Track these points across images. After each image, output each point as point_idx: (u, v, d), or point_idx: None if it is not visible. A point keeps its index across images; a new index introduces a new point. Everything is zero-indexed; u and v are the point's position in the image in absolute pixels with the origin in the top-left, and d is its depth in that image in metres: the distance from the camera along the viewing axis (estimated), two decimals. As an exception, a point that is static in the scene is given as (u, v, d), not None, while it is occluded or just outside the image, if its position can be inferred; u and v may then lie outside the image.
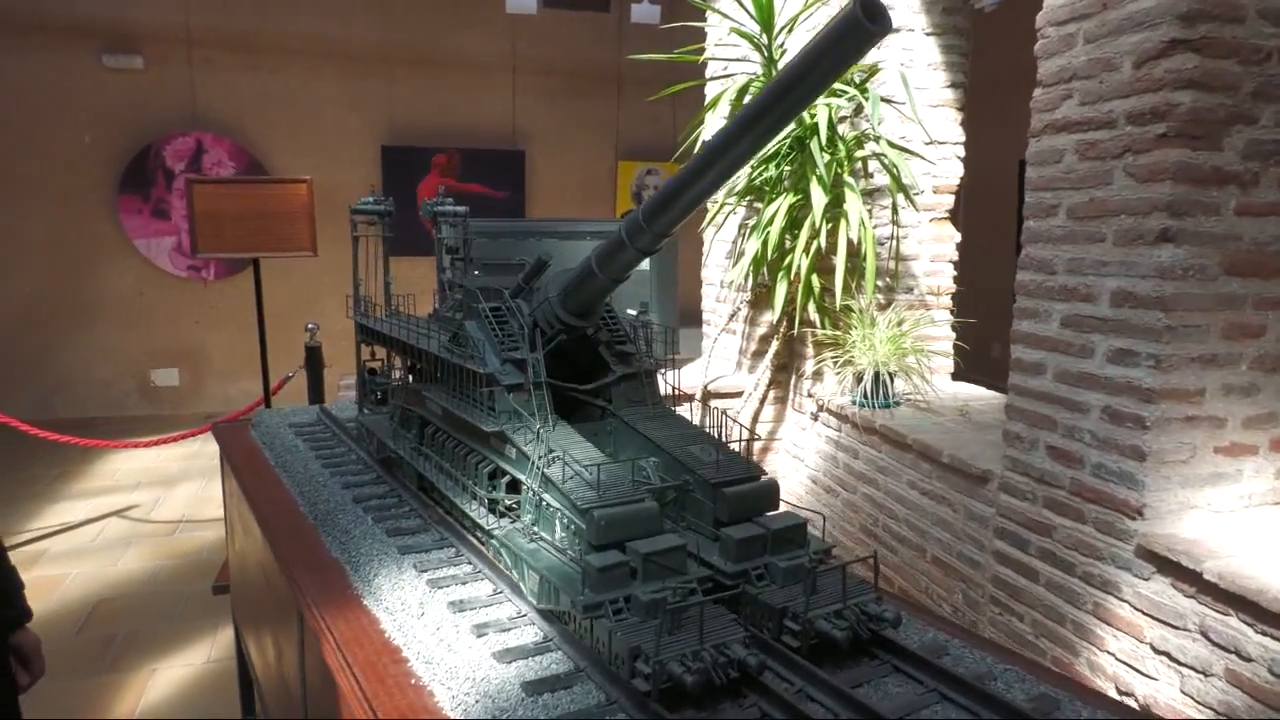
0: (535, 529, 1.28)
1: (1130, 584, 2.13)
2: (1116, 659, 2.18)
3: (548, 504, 1.24)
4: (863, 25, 0.87)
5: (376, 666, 1.21)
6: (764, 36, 3.29)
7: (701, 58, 3.17)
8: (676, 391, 1.56)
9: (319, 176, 6.23)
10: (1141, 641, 2.09)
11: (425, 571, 1.44)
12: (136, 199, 6.32)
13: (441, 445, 1.60)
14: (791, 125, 3.19)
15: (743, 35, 3.25)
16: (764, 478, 1.30)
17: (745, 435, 1.44)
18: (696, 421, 1.50)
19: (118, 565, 4.01)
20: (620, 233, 1.27)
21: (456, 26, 6.67)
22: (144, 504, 4.74)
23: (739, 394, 3.86)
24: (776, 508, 1.29)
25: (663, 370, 1.56)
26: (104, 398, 6.55)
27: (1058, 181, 2.33)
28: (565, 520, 1.20)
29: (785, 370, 3.96)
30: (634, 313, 4.24)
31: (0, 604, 1.40)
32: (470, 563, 1.47)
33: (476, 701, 1.07)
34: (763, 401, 3.98)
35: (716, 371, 4.09)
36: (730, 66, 3.64)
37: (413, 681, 1.16)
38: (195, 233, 3.59)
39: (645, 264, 4.37)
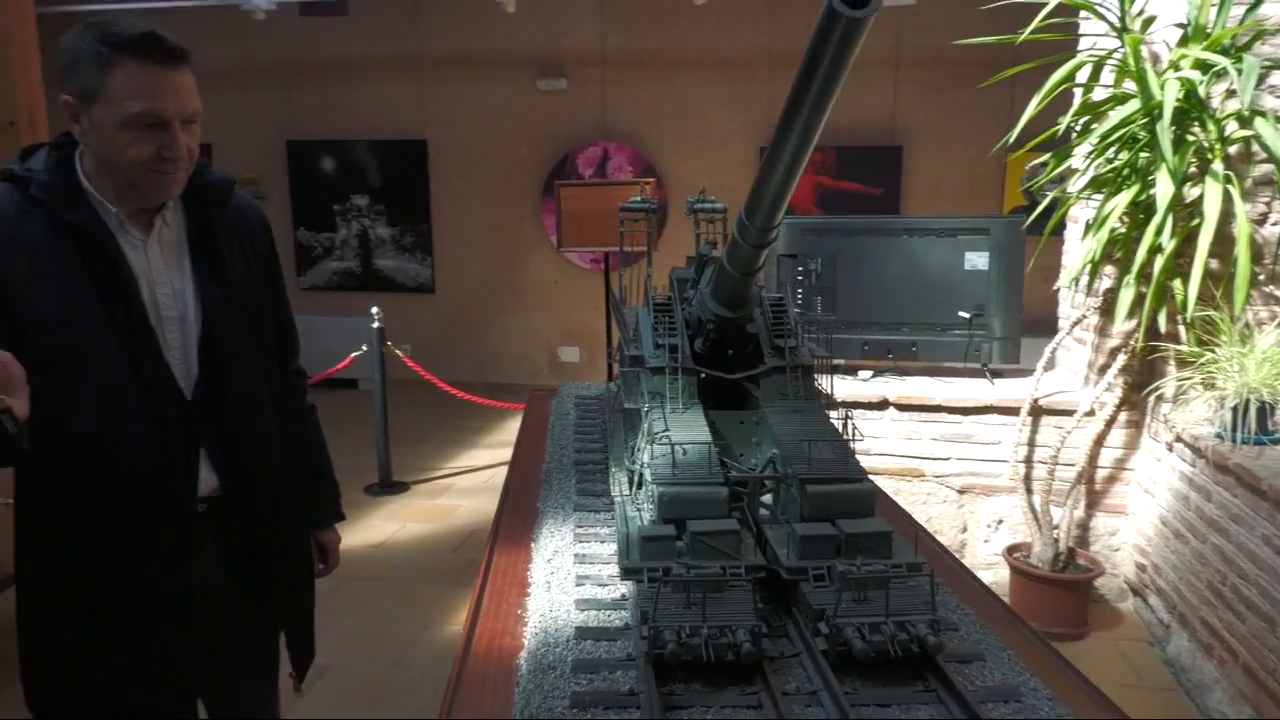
0: (641, 500, 1.39)
1: None
2: None
3: (647, 478, 1.35)
4: (840, 14, 0.85)
5: (503, 593, 1.43)
6: (1118, 2, 2.88)
7: (1020, 38, 2.88)
8: (829, 395, 1.54)
9: (701, 178, 6.73)
10: None
11: (581, 526, 1.62)
12: (555, 202, 7.43)
13: (621, 421, 1.77)
14: (1135, 105, 2.77)
15: (1080, 5, 2.88)
16: (861, 482, 1.26)
17: (854, 440, 1.39)
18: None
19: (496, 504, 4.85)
20: (733, 229, 1.33)
21: (839, 25, 6.69)
22: (529, 458, 5.64)
23: (1072, 412, 3.43)
24: (870, 514, 1.24)
25: (819, 366, 1.55)
26: (522, 368, 7.83)
27: None
28: (651, 494, 1.30)
29: (1141, 390, 3.42)
30: (966, 315, 3.99)
31: (313, 504, 1.89)
32: (621, 526, 1.62)
33: (535, 634, 1.23)
34: (1110, 423, 3.49)
35: (1057, 384, 3.68)
36: (1097, 42, 3.21)
37: (518, 611, 1.36)
38: (561, 229, 4.18)
39: (983, 263, 4.08)
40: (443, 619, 3.52)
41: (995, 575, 3.63)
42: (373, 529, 4.55)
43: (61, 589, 1.51)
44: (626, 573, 1.18)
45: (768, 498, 1.41)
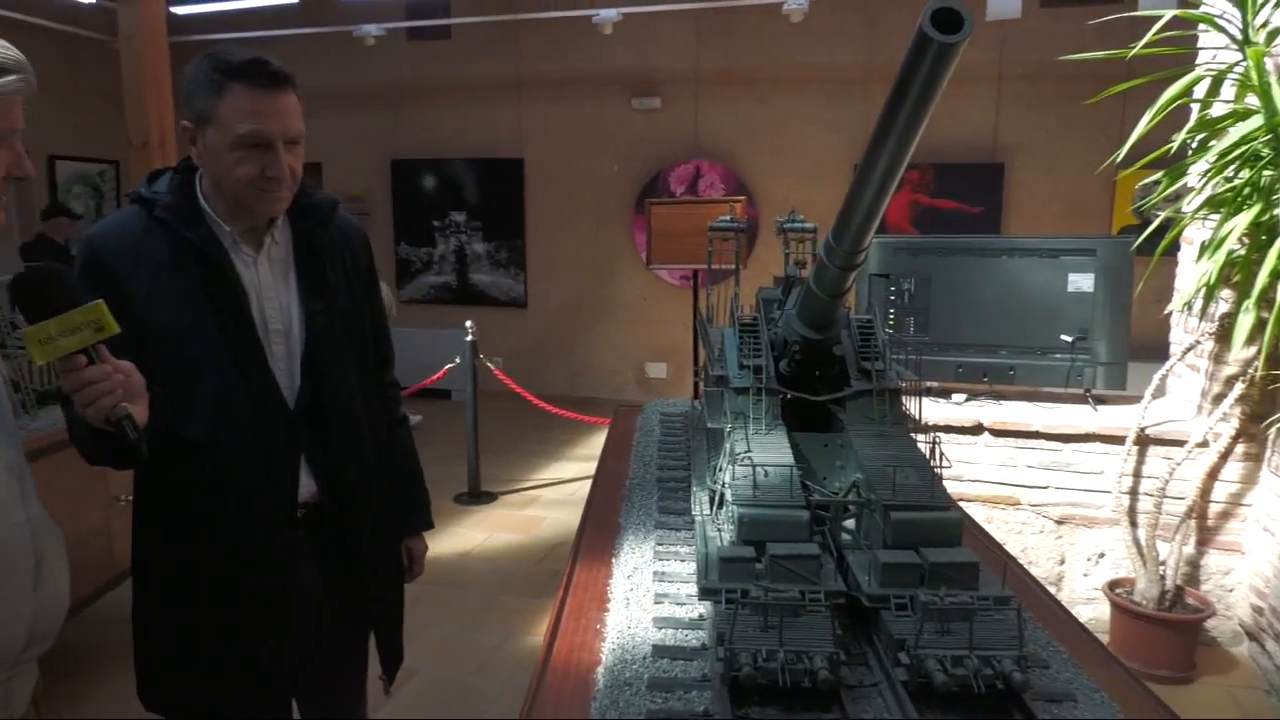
0: (722, 520, 1.39)
1: None
2: None
3: (728, 499, 1.34)
4: (931, 40, 0.84)
5: (583, 607, 1.45)
6: (1239, 14, 2.74)
7: (1131, 53, 2.76)
8: (917, 419, 1.50)
9: (793, 195, 6.70)
10: None
11: (661, 544, 1.63)
12: (646, 219, 7.50)
13: (704, 440, 1.77)
14: (1259, 121, 2.62)
15: (1197, 18, 2.74)
16: (948, 510, 1.22)
17: (946, 467, 1.35)
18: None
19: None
20: (821, 251, 1.32)
21: (939, 40, 6.57)
22: (614, 473, 5.68)
23: (1183, 442, 3.25)
24: (956, 543, 1.21)
25: (907, 389, 1.52)
26: (609, 383, 7.91)
27: None
28: (731, 515, 1.30)
29: (1260, 421, 3.21)
30: (1069, 339, 3.84)
31: (403, 511, 1.95)
32: (701, 545, 1.62)
33: (613, 649, 1.24)
34: (1225, 455, 3.29)
35: (1166, 413, 3.49)
36: (1218, 55, 3.06)
37: (597, 625, 1.38)
38: (651, 246, 4.22)
39: (1087, 285, 3.94)
40: (525, 629, 3.57)
41: (1095, 611, 3.46)
42: (461, 537, 4.66)
43: (169, 585, 1.60)
44: (704, 593, 1.17)
45: (850, 523, 1.38)
